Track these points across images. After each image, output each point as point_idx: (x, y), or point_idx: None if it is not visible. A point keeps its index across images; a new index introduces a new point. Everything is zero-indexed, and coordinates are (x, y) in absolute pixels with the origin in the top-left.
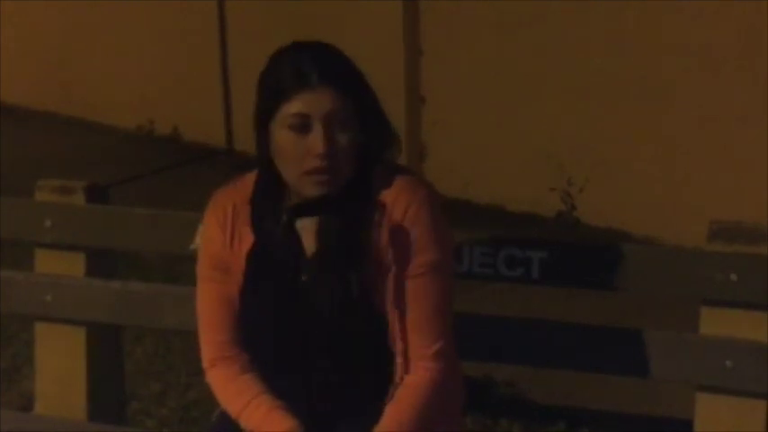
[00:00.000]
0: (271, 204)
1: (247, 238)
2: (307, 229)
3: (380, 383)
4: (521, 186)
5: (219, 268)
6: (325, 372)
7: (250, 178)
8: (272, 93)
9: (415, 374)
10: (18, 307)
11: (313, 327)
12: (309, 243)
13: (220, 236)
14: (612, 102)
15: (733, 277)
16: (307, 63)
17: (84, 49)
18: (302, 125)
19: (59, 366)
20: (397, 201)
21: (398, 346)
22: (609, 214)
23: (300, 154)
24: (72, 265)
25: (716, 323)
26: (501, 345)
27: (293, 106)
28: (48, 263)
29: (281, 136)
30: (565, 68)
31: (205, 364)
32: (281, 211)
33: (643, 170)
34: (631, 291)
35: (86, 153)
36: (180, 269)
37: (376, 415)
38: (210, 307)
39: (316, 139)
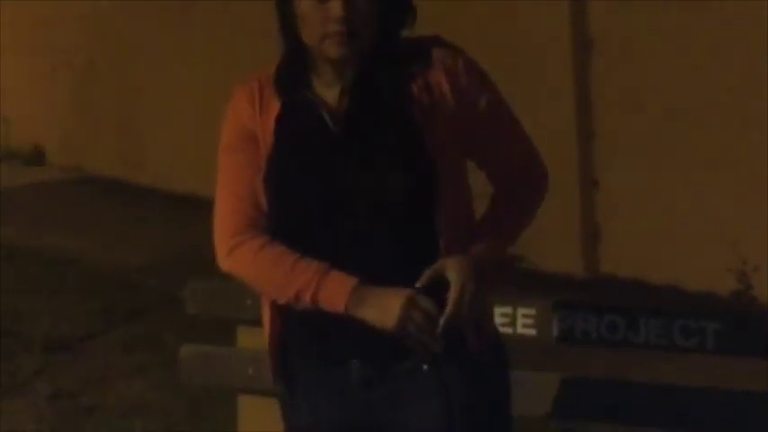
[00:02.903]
0: (299, 73)
1: (274, 106)
2: (329, 95)
3: (421, 252)
4: (695, 266)
5: (247, 138)
6: (358, 236)
7: (272, 67)
8: None
9: (512, 185)
10: (222, 380)
11: (345, 187)
12: (334, 107)
13: (248, 108)
14: None
15: None
16: None
17: None
18: None
19: None
20: (438, 61)
21: (443, 216)
22: None
23: (322, 19)
24: None
25: None
26: (684, 412)
27: None
28: (249, 338)
29: (304, 4)
30: (734, 150)
31: (221, 240)
32: (312, 79)
33: None
34: None
35: None
36: None
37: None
38: (236, 176)
39: (336, 5)
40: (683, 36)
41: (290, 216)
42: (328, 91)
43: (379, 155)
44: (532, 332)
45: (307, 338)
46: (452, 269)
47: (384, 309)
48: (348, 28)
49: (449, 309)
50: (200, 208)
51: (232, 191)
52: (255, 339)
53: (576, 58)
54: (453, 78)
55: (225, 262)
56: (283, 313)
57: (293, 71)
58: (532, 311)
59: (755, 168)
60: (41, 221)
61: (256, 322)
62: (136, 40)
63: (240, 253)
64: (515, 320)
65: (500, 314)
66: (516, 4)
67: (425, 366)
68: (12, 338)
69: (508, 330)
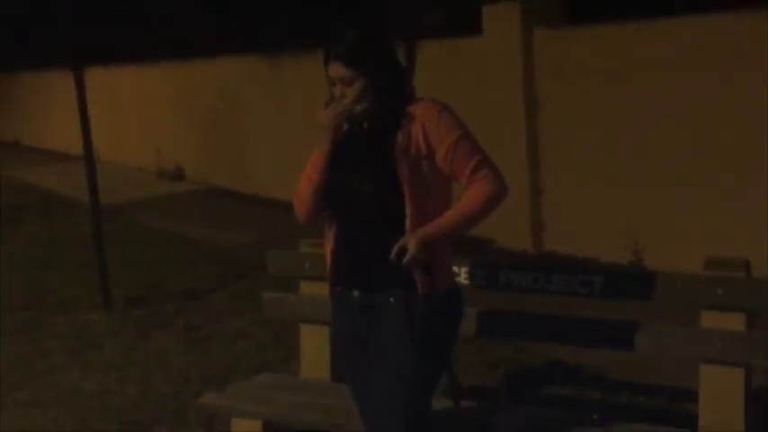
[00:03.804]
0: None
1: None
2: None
3: (395, 231)
4: (607, 246)
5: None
6: (355, 213)
7: None
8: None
9: (468, 190)
10: (291, 315)
11: (348, 185)
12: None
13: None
14: (663, 190)
15: (720, 291)
16: (331, 45)
17: None
18: (333, 84)
19: (315, 350)
20: (419, 110)
21: (409, 209)
22: (666, 264)
23: (337, 95)
24: None
25: (710, 321)
26: (575, 334)
27: (329, 72)
28: (306, 288)
29: (331, 86)
30: (632, 171)
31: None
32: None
33: (695, 236)
34: (657, 300)
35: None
36: None
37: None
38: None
39: (336, 93)
40: (596, 103)
41: (329, 194)
42: (369, 125)
43: (360, 170)
44: (486, 284)
45: (336, 274)
46: (407, 240)
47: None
48: (343, 101)
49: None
50: (285, 208)
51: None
52: (311, 289)
53: (528, 112)
54: (426, 130)
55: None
56: (331, 257)
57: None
58: (487, 270)
59: (646, 183)
60: (182, 216)
61: (311, 278)
62: (244, 96)
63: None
64: (474, 275)
65: (464, 272)
66: (487, 82)
67: (392, 299)
68: (161, 291)
69: (483, 283)
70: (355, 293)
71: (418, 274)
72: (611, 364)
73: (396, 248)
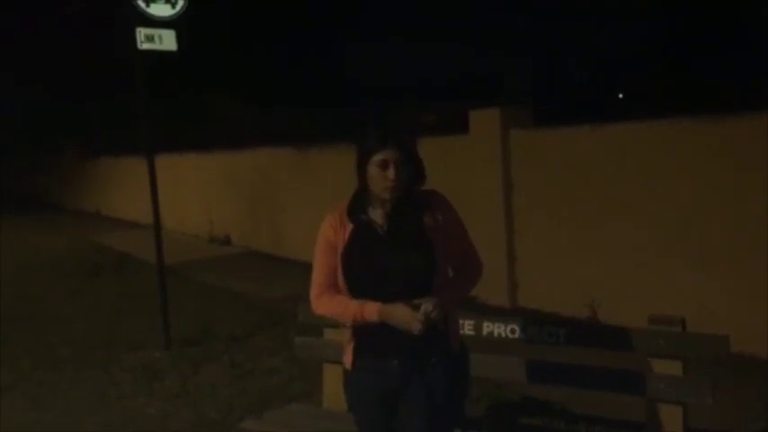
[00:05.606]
0: (362, 206)
1: (348, 226)
2: (378, 217)
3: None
4: (568, 302)
5: (330, 246)
6: (395, 293)
7: (345, 202)
8: (367, 146)
9: (464, 269)
10: (316, 356)
11: (387, 267)
12: (381, 223)
13: (331, 231)
14: (613, 257)
15: (662, 342)
16: (387, 132)
17: None
18: (384, 165)
19: (335, 385)
20: (435, 203)
21: (439, 279)
22: (616, 318)
23: (382, 178)
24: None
25: (654, 366)
26: (544, 374)
27: (379, 155)
28: (329, 334)
29: (373, 170)
30: (591, 242)
31: (312, 296)
32: (368, 209)
33: (640, 295)
34: (611, 349)
35: None
36: None
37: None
38: (320, 266)
39: (391, 173)
40: (558, 187)
41: (356, 279)
42: (375, 215)
43: (404, 249)
44: (473, 333)
45: (371, 346)
46: (428, 303)
47: (403, 317)
48: (395, 184)
49: (423, 311)
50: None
51: (318, 272)
52: (333, 335)
53: (505, 194)
54: (442, 214)
55: (314, 308)
56: (357, 335)
57: (358, 204)
58: (473, 321)
59: (600, 251)
60: (228, 273)
61: (334, 326)
62: (279, 179)
63: (321, 302)
64: (464, 326)
65: (466, 324)
66: (473, 170)
67: (433, 360)
68: (211, 334)
69: (471, 332)
70: (395, 362)
71: (447, 338)
72: (573, 399)
73: (422, 315)
